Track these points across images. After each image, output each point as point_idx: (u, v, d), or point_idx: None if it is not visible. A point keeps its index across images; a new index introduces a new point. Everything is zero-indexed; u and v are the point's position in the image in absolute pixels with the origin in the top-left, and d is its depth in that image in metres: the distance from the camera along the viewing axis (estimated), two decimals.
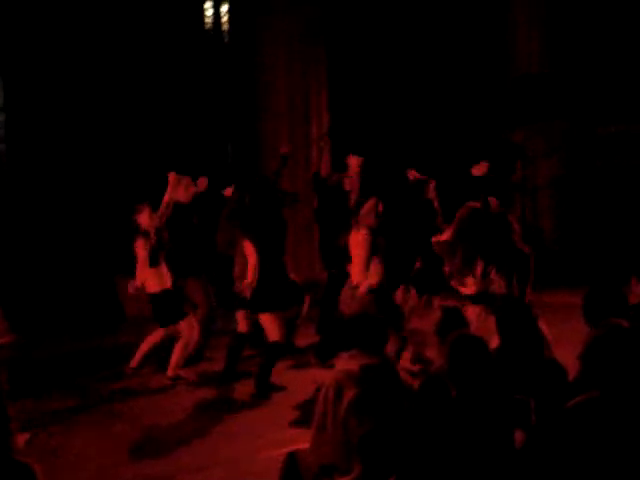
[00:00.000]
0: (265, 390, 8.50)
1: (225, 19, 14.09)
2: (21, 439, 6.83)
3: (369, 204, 8.64)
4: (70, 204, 12.27)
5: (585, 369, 4.29)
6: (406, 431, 4.83)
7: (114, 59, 12.64)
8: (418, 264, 9.61)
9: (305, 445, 5.68)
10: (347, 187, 10.08)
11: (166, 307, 8.94)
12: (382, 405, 5.16)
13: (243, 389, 8.76)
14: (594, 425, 4.11)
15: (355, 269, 8.55)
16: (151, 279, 8.90)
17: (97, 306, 11.53)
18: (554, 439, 4.28)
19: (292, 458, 5.34)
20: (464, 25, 14.57)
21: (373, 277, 8.47)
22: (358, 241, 8.55)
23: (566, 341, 7.02)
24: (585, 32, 14.22)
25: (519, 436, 4.61)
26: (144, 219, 8.92)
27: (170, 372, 9.02)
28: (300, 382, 8.77)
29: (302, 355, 9.73)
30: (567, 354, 5.52)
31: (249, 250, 8.51)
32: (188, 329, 9.00)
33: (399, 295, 9.49)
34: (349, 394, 5.20)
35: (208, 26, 14.03)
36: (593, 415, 4.13)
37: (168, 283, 8.99)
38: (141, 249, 8.85)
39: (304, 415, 7.58)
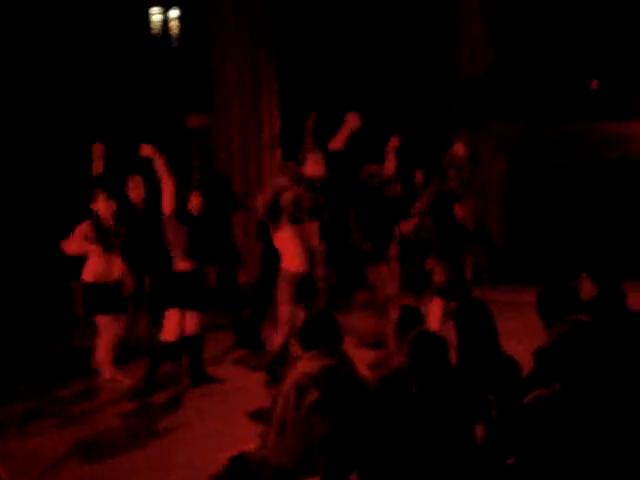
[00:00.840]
0: (149, 389, 8.56)
1: (173, 24, 14.04)
2: None
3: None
4: (21, 206, 12.16)
5: (549, 364, 4.37)
6: (367, 428, 4.90)
7: (60, 62, 12.53)
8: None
9: (254, 445, 5.75)
10: None
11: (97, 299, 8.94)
12: (343, 405, 5.23)
13: (201, 391, 8.85)
14: (556, 419, 4.18)
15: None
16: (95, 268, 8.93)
17: (49, 309, 11.41)
18: (516, 433, 4.36)
19: (241, 459, 5.37)
20: (410, 26, 14.68)
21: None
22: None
23: (514, 337, 7.23)
24: (530, 33, 14.42)
25: (480, 431, 4.70)
26: (100, 205, 8.91)
27: (107, 374, 9.02)
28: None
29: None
30: (515, 350, 5.65)
31: None
32: (110, 327, 8.97)
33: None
34: (310, 397, 5.27)
35: (156, 31, 13.97)
36: (555, 409, 4.20)
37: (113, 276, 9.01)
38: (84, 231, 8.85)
39: (260, 414, 7.71)
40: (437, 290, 9.35)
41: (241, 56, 13.39)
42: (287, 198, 8.54)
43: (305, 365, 5.54)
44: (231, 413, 8.12)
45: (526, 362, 5.39)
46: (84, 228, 8.88)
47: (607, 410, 4.19)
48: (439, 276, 9.45)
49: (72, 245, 8.88)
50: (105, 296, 8.96)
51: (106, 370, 9.07)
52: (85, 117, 12.75)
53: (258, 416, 7.83)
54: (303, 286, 8.59)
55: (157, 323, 9.25)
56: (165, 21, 13.97)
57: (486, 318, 5.44)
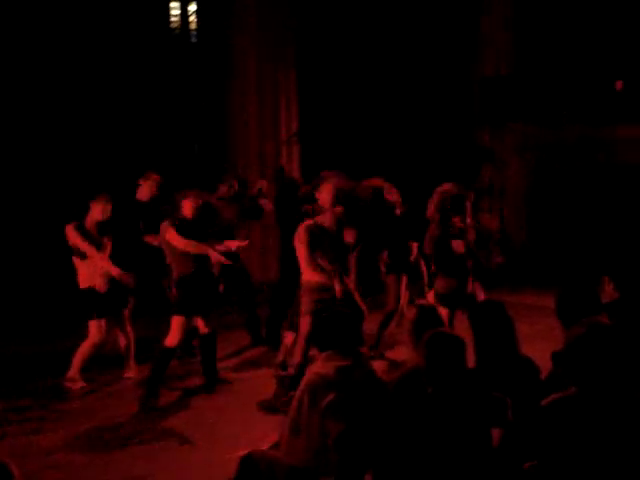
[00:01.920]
0: (151, 396, 8.47)
1: (192, 18, 14.04)
2: None
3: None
4: (23, 203, 12.15)
5: (565, 367, 4.29)
6: (382, 428, 4.85)
7: (79, 58, 12.53)
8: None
9: (266, 446, 5.70)
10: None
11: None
12: (358, 406, 5.17)
13: (216, 390, 8.83)
14: (572, 422, 4.12)
15: None
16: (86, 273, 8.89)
17: (49, 309, 11.38)
18: (532, 436, 4.29)
19: (250, 459, 5.31)
20: (433, 26, 14.61)
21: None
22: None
23: (534, 340, 7.16)
24: (553, 34, 14.32)
25: (496, 433, 4.63)
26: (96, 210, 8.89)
27: (72, 373, 8.95)
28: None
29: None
30: (535, 353, 5.57)
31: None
32: (98, 332, 8.89)
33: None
34: (325, 398, 5.20)
35: (175, 25, 13.96)
36: (571, 412, 4.13)
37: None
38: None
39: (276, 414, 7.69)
40: (440, 298, 9.23)
41: (260, 51, 13.36)
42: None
43: (320, 366, 5.47)
44: (246, 412, 8.11)
45: (546, 365, 5.31)
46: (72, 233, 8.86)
47: (624, 414, 4.12)
48: (440, 284, 9.39)
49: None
50: (98, 300, 8.91)
51: (73, 369, 8.97)
52: (104, 111, 12.74)
53: (273, 416, 7.79)
54: (325, 298, 8.48)
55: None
56: (184, 16, 13.95)
57: (504, 320, 5.37)
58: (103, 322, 8.89)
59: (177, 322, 8.53)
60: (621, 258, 10.55)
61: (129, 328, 9.24)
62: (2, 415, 7.97)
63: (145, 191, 9.83)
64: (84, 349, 8.88)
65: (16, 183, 12.14)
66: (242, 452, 4.76)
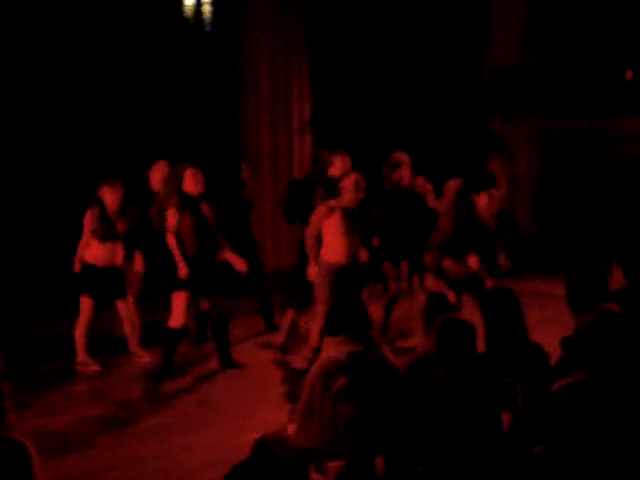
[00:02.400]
0: (163, 375, 8.59)
1: (206, 7, 14.06)
2: (13, 417, 6.89)
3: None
4: (30, 189, 12.20)
5: (575, 353, 4.34)
6: (393, 413, 4.91)
7: (92, 47, 12.57)
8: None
9: (282, 428, 5.76)
10: None
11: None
12: (370, 390, 5.23)
13: (228, 374, 8.90)
14: (581, 407, 4.16)
15: None
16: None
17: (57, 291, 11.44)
18: (542, 421, 4.34)
19: (264, 442, 5.37)
20: (444, 15, 14.60)
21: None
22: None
23: (543, 327, 7.20)
24: (564, 24, 14.30)
25: (506, 418, 4.68)
26: (107, 195, 8.99)
27: (79, 357, 9.06)
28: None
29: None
30: (544, 339, 5.62)
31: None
32: (87, 310, 9.00)
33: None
34: (336, 382, 5.26)
35: (188, 14, 13.98)
36: (580, 398, 4.18)
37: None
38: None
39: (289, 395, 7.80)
40: (449, 282, 9.29)
41: (273, 40, 13.36)
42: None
43: (332, 350, 5.53)
44: (258, 396, 8.18)
45: (555, 352, 5.36)
46: (88, 217, 8.97)
47: (632, 399, 4.16)
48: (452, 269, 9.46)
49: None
50: (97, 280, 9.01)
51: (80, 353, 9.08)
52: (117, 100, 12.78)
53: (285, 400, 7.87)
54: (342, 279, 8.56)
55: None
56: (198, 5, 13.98)
57: (514, 306, 5.41)
58: (91, 301, 8.97)
59: (178, 300, 8.58)
60: (630, 246, 10.56)
61: (132, 314, 9.31)
62: (15, 398, 8.03)
63: (157, 180, 9.84)
64: (78, 329, 9.00)
65: (26, 176, 12.18)
66: (256, 435, 4.82)
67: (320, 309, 8.49)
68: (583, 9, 14.26)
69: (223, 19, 13.81)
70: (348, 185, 8.60)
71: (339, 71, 14.07)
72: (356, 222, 8.65)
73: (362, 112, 14.07)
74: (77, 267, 9.02)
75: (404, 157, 9.83)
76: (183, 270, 8.44)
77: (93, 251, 9.04)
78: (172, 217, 8.51)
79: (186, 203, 8.55)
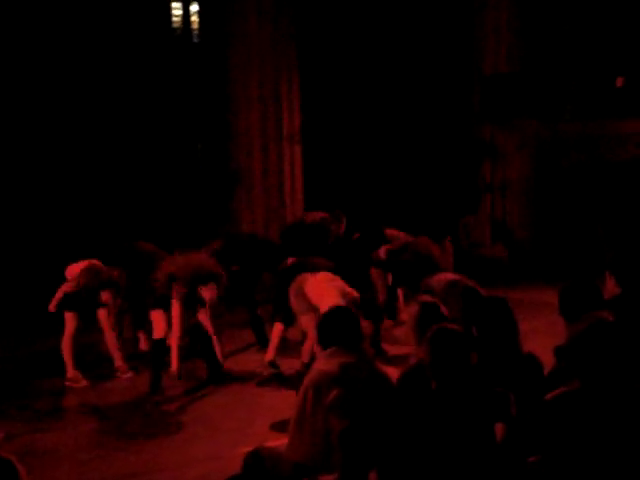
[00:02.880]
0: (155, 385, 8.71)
1: (194, 19, 14.04)
2: (1, 434, 6.84)
3: None
4: (27, 202, 12.15)
5: (568, 362, 4.30)
6: (387, 425, 4.85)
7: (80, 57, 12.53)
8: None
9: (273, 442, 5.71)
10: None
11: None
12: (362, 403, 5.17)
13: (220, 387, 8.89)
14: (576, 416, 4.12)
15: None
16: None
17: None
18: (536, 431, 4.30)
19: (256, 455, 5.33)
20: (435, 23, 14.62)
21: None
22: None
23: (536, 336, 7.17)
24: (555, 30, 14.32)
25: (500, 429, 4.64)
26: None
27: (70, 373, 9.07)
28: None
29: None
30: (538, 348, 5.57)
31: None
32: (69, 323, 9.04)
33: None
34: (329, 395, 5.20)
35: (177, 25, 13.97)
36: (575, 407, 4.14)
37: None
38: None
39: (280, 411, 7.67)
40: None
41: (262, 50, 13.34)
42: None
43: (323, 363, 5.46)
44: (250, 409, 8.15)
45: (548, 361, 5.32)
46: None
47: (627, 408, 4.13)
48: None
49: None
50: (79, 297, 9.04)
51: (68, 369, 9.09)
52: (105, 111, 12.74)
53: (277, 413, 7.80)
54: None
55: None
56: (186, 16, 13.96)
57: (507, 315, 5.37)
58: (75, 315, 9.01)
59: (156, 316, 8.81)
60: (622, 254, 10.55)
61: (107, 328, 9.30)
62: (6, 414, 7.99)
63: None
64: (65, 344, 9.02)
65: (22, 191, 12.14)
66: (248, 448, 4.78)
67: (303, 320, 8.64)
68: (575, 16, 14.29)
69: (211, 30, 13.79)
70: None
71: (329, 79, 14.05)
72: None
73: (353, 120, 14.06)
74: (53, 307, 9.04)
75: None
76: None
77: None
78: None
79: None
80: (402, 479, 4.71)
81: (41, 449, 7.23)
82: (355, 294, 8.51)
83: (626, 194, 13.78)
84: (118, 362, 9.34)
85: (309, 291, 8.57)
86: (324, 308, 8.33)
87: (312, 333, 8.34)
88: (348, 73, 14.22)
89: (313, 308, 8.34)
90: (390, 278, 10.39)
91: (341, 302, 8.05)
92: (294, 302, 8.71)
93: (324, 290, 8.44)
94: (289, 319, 9.22)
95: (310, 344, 8.45)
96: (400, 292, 10.55)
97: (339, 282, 8.63)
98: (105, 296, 9.13)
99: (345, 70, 14.21)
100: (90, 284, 8.96)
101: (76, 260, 9.22)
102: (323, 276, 8.69)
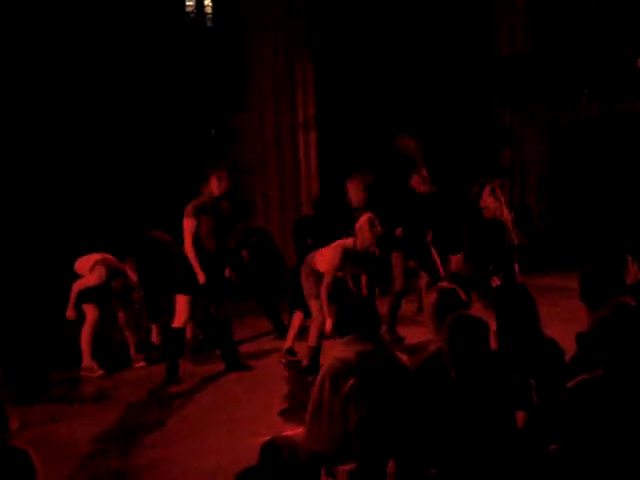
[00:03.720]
0: (172, 374, 8.61)
1: (208, 2, 13.99)
2: (15, 424, 6.78)
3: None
4: (33, 195, 12.11)
5: (592, 349, 4.22)
6: (405, 413, 4.79)
7: (94, 44, 12.46)
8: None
9: (290, 432, 5.66)
10: None
11: None
12: (380, 391, 5.11)
13: (234, 376, 8.85)
14: (599, 404, 4.06)
15: None
16: None
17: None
18: (558, 418, 4.23)
19: (272, 446, 5.26)
20: (452, 5, 14.49)
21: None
22: None
23: (557, 322, 7.08)
24: (573, 9, 14.19)
25: (521, 416, 4.57)
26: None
27: (85, 362, 9.07)
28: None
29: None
30: (558, 335, 5.48)
31: None
32: (90, 314, 9.05)
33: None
34: (346, 383, 5.14)
35: (190, 9, 13.92)
36: (598, 394, 4.08)
37: None
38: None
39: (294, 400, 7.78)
40: (451, 277, 9.25)
41: (275, 35, 13.26)
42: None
43: (341, 351, 5.40)
44: (264, 399, 8.09)
45: (570, 347, 5.23)
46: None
47: None
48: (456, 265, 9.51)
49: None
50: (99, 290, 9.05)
51: (85, 358, 9.09)
52: (119, 97, 12.67)
53: (291, 402, 7.77)
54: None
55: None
56: (199, 0, 13.91)
57: (528, 302, 5.29)
58: (95, 307, 9.02)
59: (181, 301, 8.64)
60: None
61: (123, 319, 9.34)
62: (20, 405, 7.96)
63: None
64: (85, 333, 9.03)
65: (27, 184, 12.09)
66: (264, 438, 4.71)
67: (313, 305, 8.56)
68: None
69: (225, 15, 13.72)
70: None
71: (345, 65, 13.94)
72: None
73: (368, 106, 13.95)
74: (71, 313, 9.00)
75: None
76: (202, 278, 8.47)
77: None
78: (188, 228, 8.51)
79: (201, 209, 8.58)
80: (421, 468, 4.66)
81: (56, 439, 7.22)
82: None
83: None
84: (132, 352, 9.37)
85: (318, 264, 8.57)
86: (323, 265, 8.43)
87: (318, 316, 8.36)
88: (365, 56, 14.11)
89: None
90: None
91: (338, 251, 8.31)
92: (305, 285, 8.66)
93: (325, 250, 8.58)
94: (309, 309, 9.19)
95: (316, 326, 8.46)
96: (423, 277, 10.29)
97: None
98: (116, 284, 9.08)
99: (362, 54, 14.10)
100: (114, 283, 9.02)
101: (84, 253, 9.19)
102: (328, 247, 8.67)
